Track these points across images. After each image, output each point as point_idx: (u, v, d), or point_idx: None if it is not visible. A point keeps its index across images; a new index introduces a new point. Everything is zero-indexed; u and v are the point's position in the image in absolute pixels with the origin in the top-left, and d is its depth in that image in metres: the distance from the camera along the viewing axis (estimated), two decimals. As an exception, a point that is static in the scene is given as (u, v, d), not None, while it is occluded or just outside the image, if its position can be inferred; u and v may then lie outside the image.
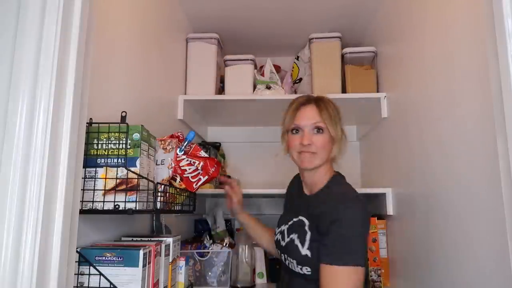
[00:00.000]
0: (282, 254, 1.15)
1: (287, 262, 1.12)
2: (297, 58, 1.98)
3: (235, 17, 1.85)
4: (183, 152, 1.06)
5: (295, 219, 1.14)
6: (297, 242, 1.08)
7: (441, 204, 1.13)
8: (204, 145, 1.84)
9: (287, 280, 1.15)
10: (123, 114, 0.89)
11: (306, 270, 1.05)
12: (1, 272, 0.58)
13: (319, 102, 1.16)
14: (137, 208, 0.84)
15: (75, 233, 0.69)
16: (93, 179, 0.84)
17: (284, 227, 1.18)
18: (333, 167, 1.19)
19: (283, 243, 1.14)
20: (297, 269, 1.07)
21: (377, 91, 1.76)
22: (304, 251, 1.05)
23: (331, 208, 1.03)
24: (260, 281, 1.66)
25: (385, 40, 1.70)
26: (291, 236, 1.11)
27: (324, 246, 1.00)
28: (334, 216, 1.00)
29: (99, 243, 0.94)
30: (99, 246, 0.88)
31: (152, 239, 1.03)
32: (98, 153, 0.86)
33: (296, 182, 1.30)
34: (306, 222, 1.09)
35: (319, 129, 1.13)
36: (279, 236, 1.19)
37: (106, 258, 0.84)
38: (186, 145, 1.07)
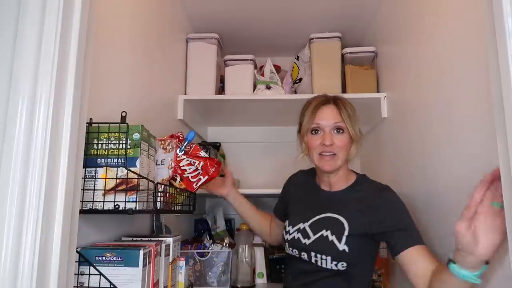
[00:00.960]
0: (304, 253, 1.12)
1: (313, 260, 1.09)
2: (297, 58, 1.98)
3: (235, 17, 1.85)
4: (183, 152, 1.06)
5: (319, 216, 1.13)
6: (332, 238, 1.07)
7: (441, 203, 1.13)
8: (204, 145, 1.83)
9: (307, 280, 1.12)
10: (123, 114, 0.89)
11: (342, 266, 1.06)
12: (1, 272, 0.58)
13: (338, 101, 1.16)
14: (137, 208, 0.84)
15: (75, 233, 0.69)
16: (93, 179, 0.84)
17: (303, 225, 1.14)
18: (348, 166, 1.22)
19: (306, 241, 1.11)
20: (331, 265, 1.06)
21: (377, 91, 1.76)
22: (342, 246, 1.05)
23: (387, 201, 1.09)
24: (260, 281, 1.66)
25: (385, 40, 1.70)
26: (321, 232, 1.09)
27: (403, 232, 1.04)
28: (395, 206, 1.08)
29: (99, 243, 0.94)
30: (99, 246, 0.88)
31: (152, 239, 1.03)
32: (98, 153, 0.86)
33: (302, 179, 1.31)
34: (342, 219, 1.09)
35: (339, 129, 1.13)
36: (296, 235, 1.15)
37: (106, 258, 0.84)
38: (186, 145, 1.07)
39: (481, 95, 0.90)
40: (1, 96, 0.63)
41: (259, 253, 1.68)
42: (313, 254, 1.09)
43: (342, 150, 1.13)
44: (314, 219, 1.13)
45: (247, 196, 2.04)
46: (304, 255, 1.12)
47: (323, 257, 1.07)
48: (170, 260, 1.05)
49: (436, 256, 1.01)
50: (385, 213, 1.06)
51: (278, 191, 1.75)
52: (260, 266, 1.68)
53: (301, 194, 1.27)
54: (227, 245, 1.57)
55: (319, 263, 1.08)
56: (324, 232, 1.09)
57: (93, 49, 0.75)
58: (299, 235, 1.14)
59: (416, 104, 1.32)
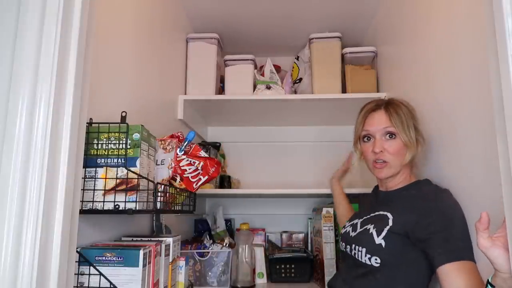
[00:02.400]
0: (348, 246, 1.12)
1: (353, 252, 1.09)
2: (297, 58, 1.98)
3: (235, 17, 1.85)
4: (183, 152, 1.06)
5: (372, 214, 1.12)
6: (372, 231, 1.05)
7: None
8: (204, 145, 1.84)
9: (346, 276, 1.13)
10: (123, 114, 0.89)
11: (375, 261, 1.01)
12: (1, 272, 0.58)
13: (389, 106, 1.13)
14: (137, 208, 0.84)
15: (75, 233, 0.69)
16: (93, 179, 0.84)
17: (357, 221, 1.16)
18: (414, 172, 1.17)
19: (352, 234, 1.12)
20: (364, 258, 1.03)
21: (377, 91, 1.76)
22: (379, 240, 1.01)
23: (438, 203, 0.99)
24: (260, 281, 1.66)
25: (385, 40, 1.70)
26: (366, 226, 1.09)
27: (445, 243, 0.93)
28: (445, 211, 0.98)
29: (99, 243, 0.94)
30: (99, 246, 0.88)
31: (152, 239, 1.03)
32: (98, 153, 0.86)
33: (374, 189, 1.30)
34: (389, 215, 1.05)
35: (391, 135, 1.10)
36: (349, 229, 1.17)
37: (106, 258, 0.84)
38: (186, 145, 1.07)
39: (481, 95, 0.91)
40: (1, 96, 0.63)
41: (259, 253, 1.68)
42: (353, 246, 1.09)
43: (394, 157, 1.09)
44: (367, 217, 1.14)
45: (248, 196, 2.06)
46: (348, 248, 1.13)
47: (360, 248, 1.06)
48: (170, 260, 1.05)
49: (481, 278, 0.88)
50: (432, 216, 0.97)
51: (278, 191, 1.76)
52: (260, 266, 1.68)
53: (369, 198, 1.30)
54: (227, 245, 1.57)
55: (356, 256, 1.07)
56: (368, 226, 1.08)
57: (93, 49, 0.75)
58: (350, 229, 1.16)
59: (416, 104, 1.32)
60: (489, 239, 0.70)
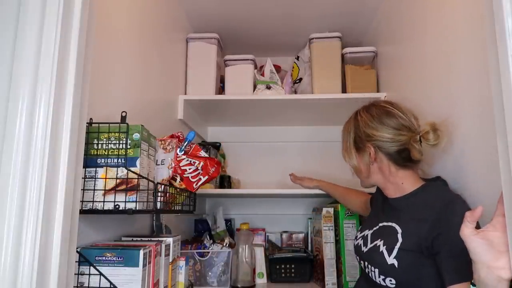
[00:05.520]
0: (362, 261, 1.07)
1: (367, 270, 1.03)
2: (297, 58, 1.98)
3: (235, 17, 1.85)
4: (183, 152, 1.06)
5: (381, 224, 1.05)
6: (382, 249, 0.97)
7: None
8: (204, 145, 1.84)
9: None
10: (123, 114, 0.89)
11: (390, 282, 0.95)
12: (1, 272, 0.58)
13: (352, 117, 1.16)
14: (137, 208, 0.84)
15: (75, 233, 0.69)
16: (93, 179, 0.84)
17: (368, 232, 1.09)
18: (421, 174, 1.10)
19: (364, 249, 1.06)
20: (379, 279, 0.97)
21: (377, 91, 1.76)
22: (391, 260, 0.94)
23: (449, 214, 0.90)
24: (260, 281, 1.66)
25: (385, 40, 1.70)
26: (376, 242, 1.01)
27: (456, 260, 0.85)
28: (456, 222, 0.85)
29: (99, 243, 0.94)
30: (99, 246, 0.88)
31: (152, 239, 1.03)
32: (98, 153, 0.86)
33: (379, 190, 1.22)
34: (398, 229, 0.98)
35: None
36: (360, 241, 1.10)
37: (106, 258, 0.84)
38: (186, 145, 1.07)
39: (482, 95, 0.90)
40: (1, 96, 0.63)
41: (259, 253, 1.68)
42: (366, 263, 1.04)
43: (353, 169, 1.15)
44: (376, 227, 1.07)
45: (248, 196, 2.06)
46: (362, 264, 1.08)
47: (372, 268, 1.00)
48: (170, 260, 1.05)
49: None
50: (442, 228, 0.89)
51: (278, 190, 1.76)
52: (260, 266, 1.67)
53: (376, 204, 1.22)
54: (227, 245, 1.57)
55: (371, 275, 1.01)
56: (378, 242, 1.01)
57: (93, 49, 0.75)
58: (362, 242, 1.09)
59: (416, 104, 1.32)
60: (473, 229, 0.69)
